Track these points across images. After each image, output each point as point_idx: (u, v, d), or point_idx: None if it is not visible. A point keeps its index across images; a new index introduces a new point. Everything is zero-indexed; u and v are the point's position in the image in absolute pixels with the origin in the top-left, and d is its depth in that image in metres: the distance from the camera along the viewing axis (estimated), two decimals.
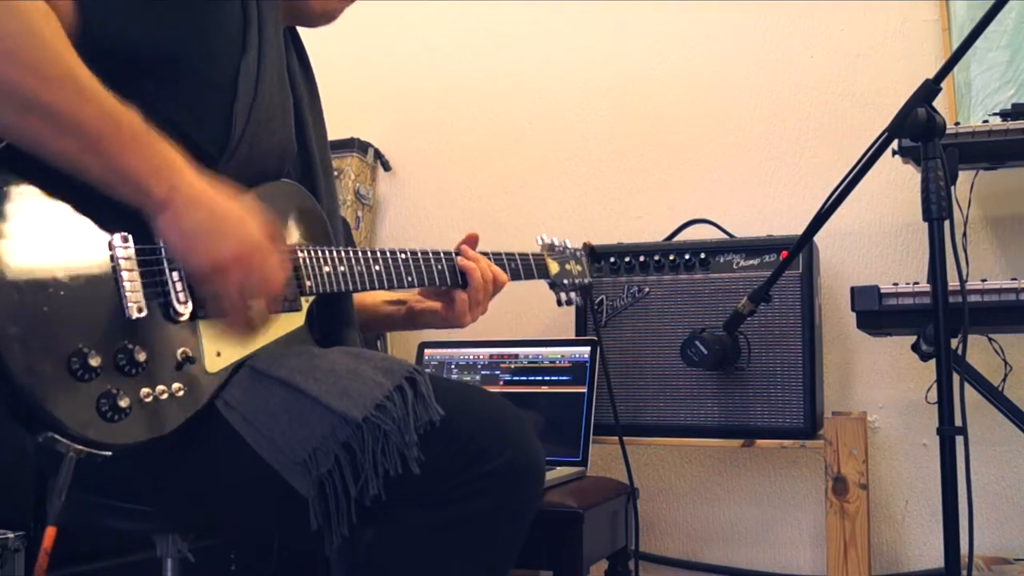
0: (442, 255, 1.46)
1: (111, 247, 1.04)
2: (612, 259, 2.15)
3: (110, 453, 0.98)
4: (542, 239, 1.75)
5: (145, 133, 1.03)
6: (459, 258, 1.48)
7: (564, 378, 2.00)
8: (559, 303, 1.75)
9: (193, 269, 1.06)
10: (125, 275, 1.03)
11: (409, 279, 1.40)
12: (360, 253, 1.32)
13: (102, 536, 1.66)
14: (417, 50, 2.76)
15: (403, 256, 1.39)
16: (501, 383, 2.05)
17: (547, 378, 2.02)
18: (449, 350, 2.14)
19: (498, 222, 2.60)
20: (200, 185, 1.06)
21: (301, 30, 1.45)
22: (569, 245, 1.81)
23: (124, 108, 1.01)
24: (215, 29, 1.17)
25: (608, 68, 2.57)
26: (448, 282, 1.47)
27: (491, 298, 1.53)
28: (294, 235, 1.25)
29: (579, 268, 1.79)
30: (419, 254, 1.42)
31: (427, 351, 2.16)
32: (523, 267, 1.63)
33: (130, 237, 1.05)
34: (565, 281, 1.75)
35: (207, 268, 1.05)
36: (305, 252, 1.23)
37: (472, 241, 1.53)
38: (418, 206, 2.73)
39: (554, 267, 1.72)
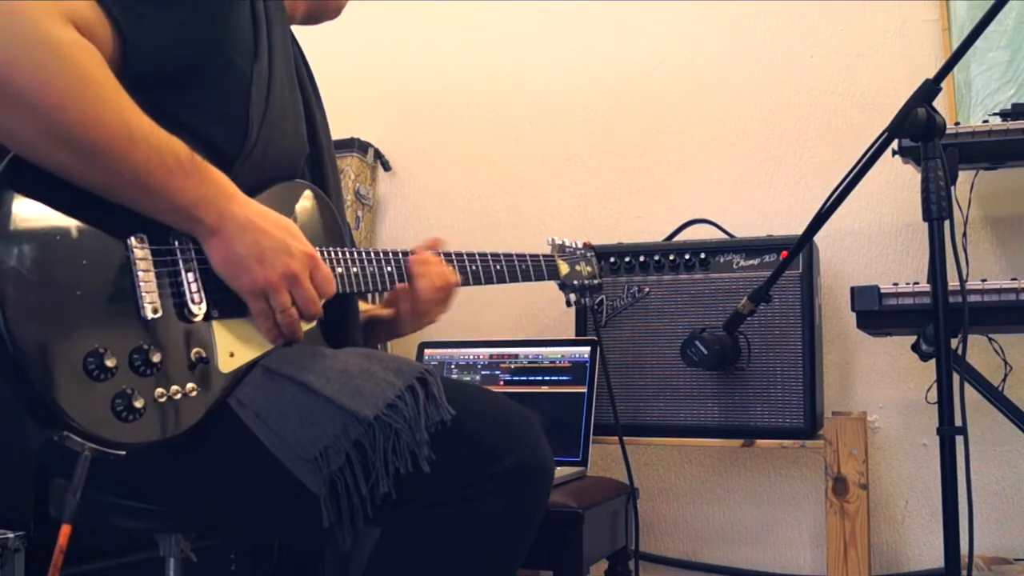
0: (463, 255, 1.47)
1: (127, 247, 1.05)
2: (612, 259, 2.15)
3: (124, 452, 0.99)
4: (552, 240, 1.76)
5: (191, 163, 1.06)
6: (408, 258, 1.41)
7: (564, 378, 2.00)
8: (568, 304, 1.76)
9: (243, 291, 1.10)
10: (141, 275, 1.04)
11: None
12: (372, 254, 1.33)
13: (107, 535, 1.66)
14: (417, 50, 2.76)
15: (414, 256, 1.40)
16: (501, 383, 2.05)
17: (547, 378, 2.02)
18: (449, 350, 2.14)
19: (498, 222, 2.60)
20: (247, 210, 1.10)
21: (299, 29, 1.45)
22: (580, 246, 1.81)
23: (171, 140, 1.05)
24: (231, 35, 1.18)
25: (608, 68, 2.57)
26: (471, 282, 1.48)
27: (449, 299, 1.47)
28: (308, 236, 1.26)
29: (589, 269, 1.80)
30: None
31: (427, 351, 2.16)
32: (533, 268, 1.64)
33: (145, 238, 1.06)
34: (575, 282, 1.75)
35: (257, 289, 1.10)
36: (319, 253, 1.24)
37: (434, 246, 1.47)
38: (418, 206, 2.73)
39: (564, 268, 1.73)
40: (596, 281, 1.81)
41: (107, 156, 1.00)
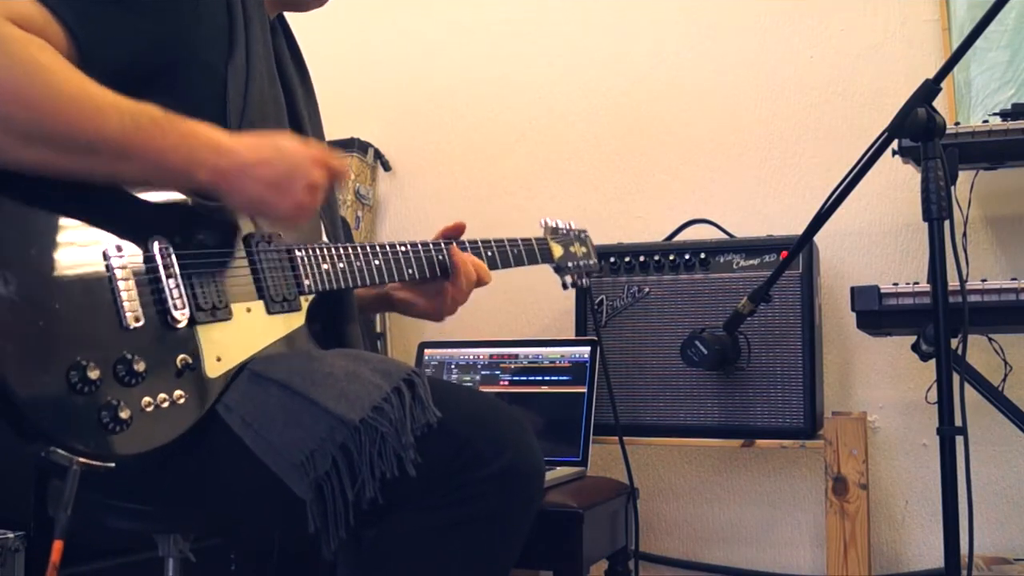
0: (443, 245, 1.46)
1: (106, 257, 1.04)
2: (612, 259, 2.15)
3: (114, 464, 0.98)
4: (545, 222, 1.73)
5: (167, 121, 1.04)
6: (451, 247, 1.45)
7: (564, 378, 2.00)
8: (564, 286, 1.73)
9: (277, 219, 1.15)
10: (121, 285, 1.03)
11: (410, 271, 1.40)
12: (359, 248, 1.32)
13: (105, 535, 1.66)
14: (417, 50, 2.76)
15: (403, 249, 1.39)
16: (501, 383, 2.05)
17: (547, 378, 2.02)
18: (449, 350, 2.13)
19: (498, 222, 2.59)
20: (237, 150, 1.09)
21: (296, 24, 1.45)
22: (573, 226, 1.79)
23: (140, 103, 1.03)
24: (202, 34, 1.17)
25: (608, 68, 2.57)
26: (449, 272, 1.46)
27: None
28: (291, 235, 1.25)
29: (584, 250, 1.77)
30: (419, 246, 1.42)
31: (427, 351, 2.16)
32: (526, 252, 1.61)
33: (124, 247, 1.05)
34: (570, 264, 1.72)
35: (291, 215, 1.14)
36: (303, 251, 1.23)
37: (459, 230, 1.51)
38: (418, 206, 2.73)
39: (558, 250, 1.70)
40: (592, 261, 1.78)
41: (82, 135, 0.99)
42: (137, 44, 1.11)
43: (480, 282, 1.49)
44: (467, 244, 1.51)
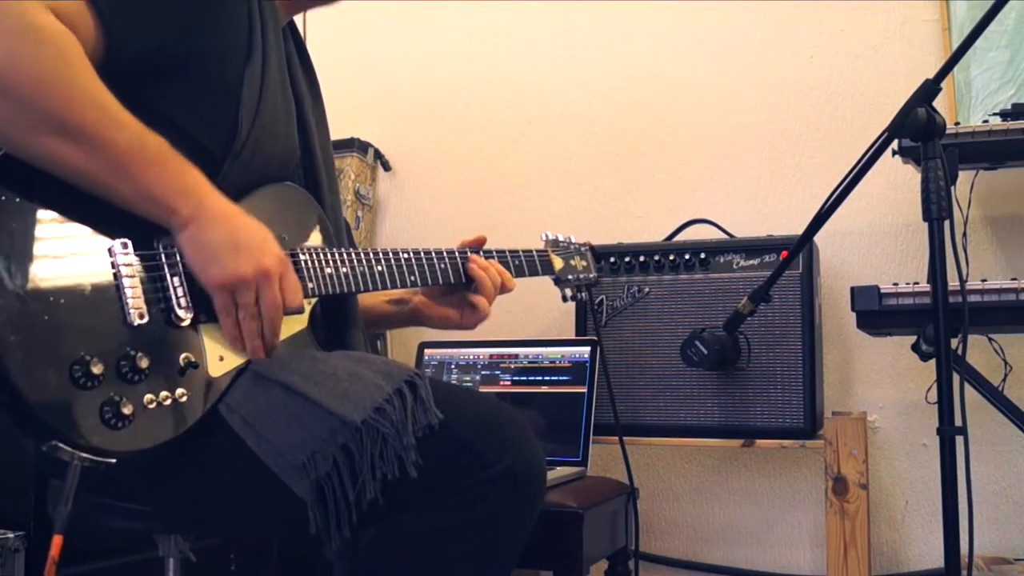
0: (444, 254, 1.46)
1: (111, 254, 1.04)
2: (612, 259, 2.15)
3: (115, 460, 0.98)
4: (546, 235, 1.74)
5: (171, 155, 1.06)
6: (471, 264, 1.47)
7: (564, 378, 2.00)
8: (564, 299, 1.74)
9: (212, 282, 1.08)
10: (126, 282, 1.04)
11: (412, 278, 1.40)
12: (362, 254, 1.32)
13: (106, 535, 1.66)
14: (417, 50, 2.76)
15: (405, 256, 1.39)
16: (501, 383, 2.05)
17: (547, 378, 2.02)
18: (449, 350, 2.13)
19: (498, 222, 2.60)
20: (224, 205, 1.10)
21: (301, 28, 1.45)
22: (574, 240, 1.80)
23: (150, 132, 1.05)
24: (224, 34, 1.18)
25: (608, 68, 2.57)
26: (451, 280, 1.46)
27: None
28: (295, 237, 1.25)
29: (584, 263, 1.78)
30: (422, 253, 1.42)
31: (427, 351, 2.16)
32: (527, 264, 1.62)
33: (130, 243, 1.06)
34: (570, 277, 1.73)
35: (225, 281, 1.07)
36: (306, 254, 1.23)
37: (480, 243, 1.52)
38: (418, 206, 2.73)
39: (558, 263, 1.71)
40: (592, 275, 1.79)
41: (91, 136, 1.00)
42: (162, 34, 1.12)
43: (504, 288, 1.50)
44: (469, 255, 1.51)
